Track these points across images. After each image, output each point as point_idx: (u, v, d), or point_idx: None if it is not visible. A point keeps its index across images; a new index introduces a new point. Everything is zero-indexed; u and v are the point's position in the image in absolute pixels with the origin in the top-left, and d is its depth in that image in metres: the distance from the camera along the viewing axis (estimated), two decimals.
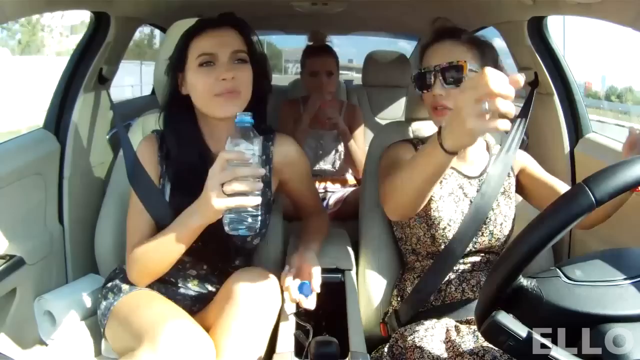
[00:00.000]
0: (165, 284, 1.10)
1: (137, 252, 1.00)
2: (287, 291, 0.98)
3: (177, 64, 1.04)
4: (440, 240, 1.09)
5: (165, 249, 0.97)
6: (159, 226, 1.02)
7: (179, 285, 1.10)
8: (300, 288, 0.97)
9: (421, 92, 1.10)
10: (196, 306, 1.11)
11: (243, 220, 0.84)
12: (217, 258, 1.10)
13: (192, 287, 1.11)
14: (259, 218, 0.85)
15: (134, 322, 0.97)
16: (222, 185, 0.83)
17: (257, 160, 0.83)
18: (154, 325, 0.91)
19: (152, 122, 1.42)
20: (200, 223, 0.92)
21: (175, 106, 1.07)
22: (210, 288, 1.12)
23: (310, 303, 0.98)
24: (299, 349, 0.92)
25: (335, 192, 1.94)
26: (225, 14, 1.07)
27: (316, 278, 1.00)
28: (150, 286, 1.08)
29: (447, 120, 0.74)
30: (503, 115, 0.65)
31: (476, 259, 1.12)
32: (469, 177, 1.14)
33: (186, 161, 1.05)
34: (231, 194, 0.82)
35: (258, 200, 0.82)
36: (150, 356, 0.86)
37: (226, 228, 0.86)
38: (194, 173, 1.00)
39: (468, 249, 1.09)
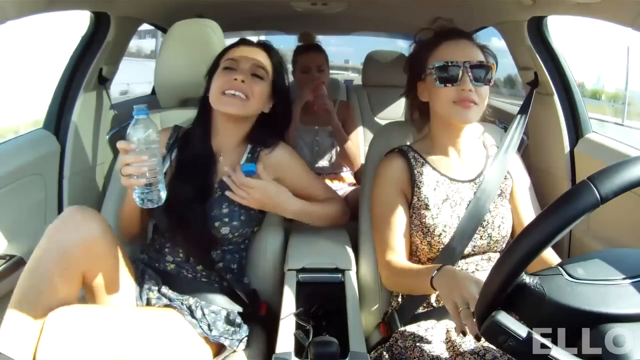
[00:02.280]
0: (150, 266, 1.17)
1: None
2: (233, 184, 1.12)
3: (211, 69, 1.20)
4: (437, 247, 1.09)
5: (123, 212, 1.19)
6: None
7: (159, 267, 1.17)
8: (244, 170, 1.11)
9: (442, 85, 1.06)
10: (166, 287, 1.11)
11: (143, 196, 0.99)
12: (192, 247, 1.16)
13: (169, 270, 1.17)
14: (146, 195, 0.98)
15: None
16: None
17: (142, 148, 0.95)
18: None
19: None
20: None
21: (202, 108, 1.23)
22: (186, 274, 1.16)
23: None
24: (299, 349, 0.92)
25: None
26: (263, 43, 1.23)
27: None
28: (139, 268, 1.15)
29: (446, 279, 0.88)
30: None
31: (477, 258, 1.11)
32: (462, 182, 1.13)
33: (189, 155, 1.19)
34: (125, 175, 0.97)
35: (141, 181, 0.96)
36: None
37: (137, 202, 1.00)
38: (192, 165, 1.17)
39: (468, 251, 1.09)
